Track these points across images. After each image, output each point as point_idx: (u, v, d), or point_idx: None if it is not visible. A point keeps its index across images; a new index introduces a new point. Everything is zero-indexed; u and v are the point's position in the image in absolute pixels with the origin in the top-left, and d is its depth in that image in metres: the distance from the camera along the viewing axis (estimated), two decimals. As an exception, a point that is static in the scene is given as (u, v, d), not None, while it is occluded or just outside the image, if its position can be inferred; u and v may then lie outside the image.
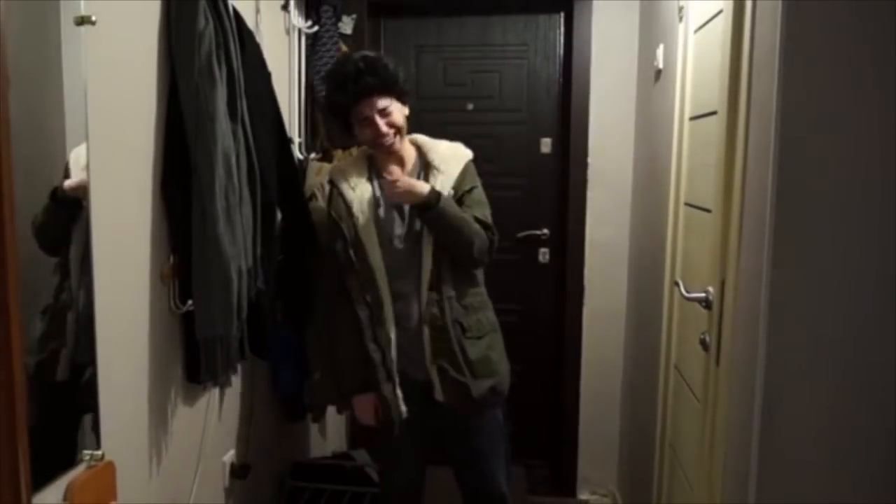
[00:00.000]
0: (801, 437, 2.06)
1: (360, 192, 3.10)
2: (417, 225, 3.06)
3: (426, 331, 3.02)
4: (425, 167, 3.16)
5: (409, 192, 2.96)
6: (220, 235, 2.47)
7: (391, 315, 3.02)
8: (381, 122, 3.01)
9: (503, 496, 3.28)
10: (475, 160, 3.21)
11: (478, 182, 3.20)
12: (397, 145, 3.10)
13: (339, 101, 3.05)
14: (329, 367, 3.12)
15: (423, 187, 2.97)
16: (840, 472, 2.04)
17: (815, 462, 2.06)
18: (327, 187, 3.18)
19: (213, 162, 2.46)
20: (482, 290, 3.23)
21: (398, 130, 3.07)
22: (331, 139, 4.07)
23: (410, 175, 3.13)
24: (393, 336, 3.01)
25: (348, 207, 3.07)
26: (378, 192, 3.12)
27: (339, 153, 4.09)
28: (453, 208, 3.01)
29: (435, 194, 2.96)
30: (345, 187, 3.12)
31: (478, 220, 3.07)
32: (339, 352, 3.09)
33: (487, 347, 3.11)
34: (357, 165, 3.21)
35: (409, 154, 3.20)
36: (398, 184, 2.93)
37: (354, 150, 4.02)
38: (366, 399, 3.09)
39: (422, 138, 3.26)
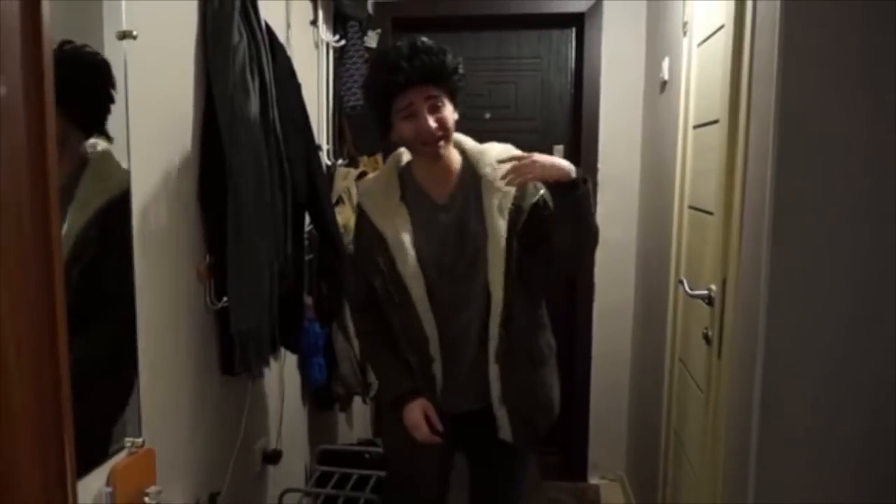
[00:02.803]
0: (796, 423, 2.07)
1: (394, 220, 2.48)
2: (472, 248, 2.44)
3: (495, 370, 2.47)
4: (475, 181, 2.48)
5: (553, 166, 2.24)
6: (253, 236, 2.48)
7: (439, 356, 2.51)
8: (430, 118, 2.34)
9: None
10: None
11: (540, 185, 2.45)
12: (443, 151, 2.41)
13: (385, 82, 2.35)
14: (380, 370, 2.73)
15: (562, 161, 2.28)
16: (832, 455, 2.06)
17: (809, 446, 2.08)
18: (355, 199, 2.74)
19: (247, 167, 2.47)
20: (544, 306, 2.67)
21: (446, 133, 2.39)
22: (356, 146, 4.07)
23: (456, 194, 2.50)
24: (439, 376, 2.54)
25: (383, 240, 2.47)
26: (413, 215, 2.50)
27: (364, 160, 4.08)
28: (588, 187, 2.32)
29: (576, 168, 2.28)
30: (376, 216, 2.51)
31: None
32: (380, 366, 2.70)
33: (552, 389, 2.62)
34: (387, 185, 2.55)
35: (455, 164, 2.51)
36: (535, 161, 2.24)
37: (379, 159, 4.02)
38: (417, 406, 2.52)
39: (467, 142, 2.56)
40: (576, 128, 4.71)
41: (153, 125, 2.18)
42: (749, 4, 2.25)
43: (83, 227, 1.89)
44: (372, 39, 4.40)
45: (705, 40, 2.95)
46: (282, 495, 3.31)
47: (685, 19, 3.30)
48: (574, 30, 4.68)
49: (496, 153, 2.47)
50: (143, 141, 2.07)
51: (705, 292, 2.66)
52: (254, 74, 2.51)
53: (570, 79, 4.74)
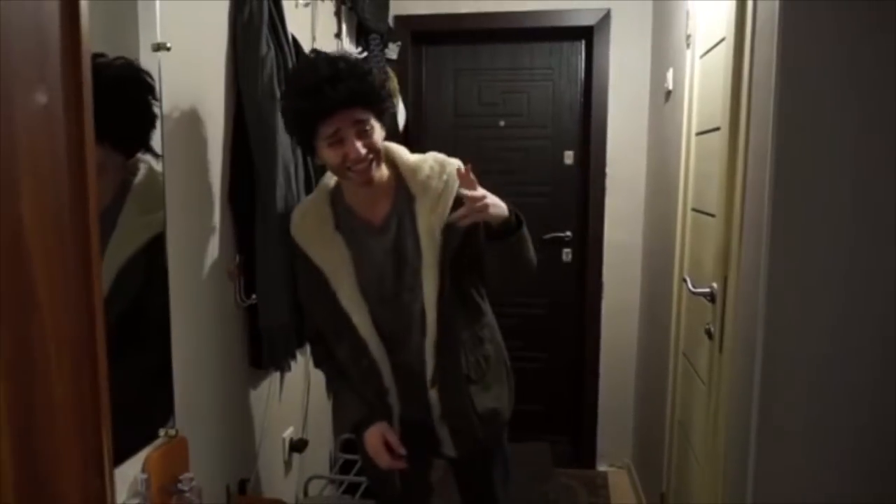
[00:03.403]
0: (794, 414, 2.07)
1: (330, 251, 2.28)
2: (410, 272, 2.25)
3: (433, 394, 2.33)
4: (409, 200, 2.25)
5: (498, 206, 2.07)
6: (282, 237, 2.47)
7: (394, 387, 2.36)
8: (357, 143, 2.10)
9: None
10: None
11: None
12: (374, 174, 2.17)
13: (307, 109, 2.09)
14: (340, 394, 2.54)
15: (500, 202, 2.09)
16: (829, 445, 2.05)
17: (807, 437, 2.07)
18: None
19: (275, 171, 2.47)
20: (488, 310, 2.47)
21: (377, 155, 2.16)
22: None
23: (391, 215, 2.26)
24: (396, 406, 2.38)
25: (321, 273, 2.28)
26: (349, 244, 2.29)
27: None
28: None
29: (513, 209, 2.13)
30: (311, 250, 2.29)
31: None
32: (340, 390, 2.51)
33: (496, 398, 2.41)
34: (319, 214, 2.31)
35: (387, 183, 2.26)
36: (487, 205, 2.02)
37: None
38: (375, 432, 2.33)
39: (399, 156, 2.29)
40: (585, 135, 4.69)
41: (186, 132, 2.19)
42: (749, 18, 2.24)
43: (127, 262, 1.87)
44: (393, 51, 4.41)
45: (707, 52, 2.93)
46: (307, 482, 3.32)
47: (688, 32, 3.29)
48: (583, 42, 4.67)
49: (427, 170, 2.22)
50: (176, 148, 2.08)
51: (707, 290, 2.65)
52: (281, 84, 2.52)
53: (579, 88, 4.73)
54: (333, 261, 2.27)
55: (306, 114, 2.11)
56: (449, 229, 2.17)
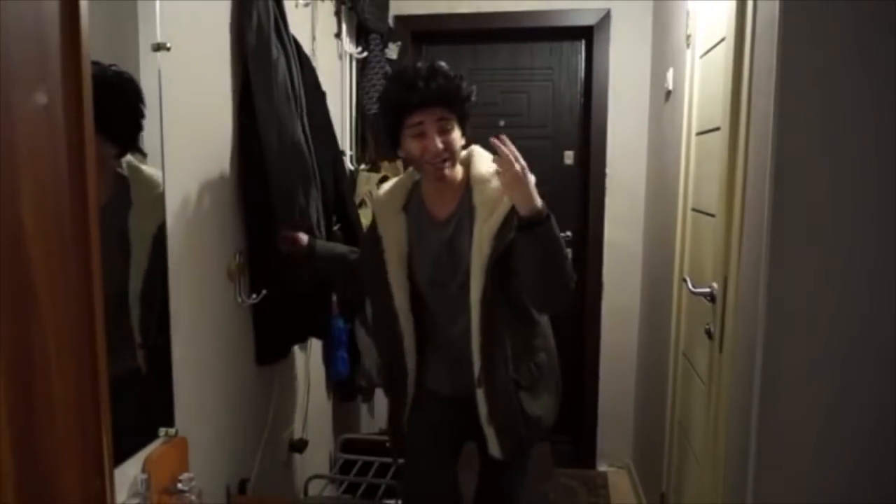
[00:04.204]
0: (795, 415, 2.07)
1: (392, 225, 2.49)
2: (462, 269, 2.39)
3: (480, 393, 2.40)
4: (471, 208, 2.39)
5: (531, 187, 2.16)
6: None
7: (413, 357, 2.53)
8: (437, 139, 2.30)
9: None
10: None
11: None
12: (446, 171, 2.35)
13: (399, 99, 2.32)
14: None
15: (534, 192, 2.18)
16: (829, 447, 2.05)
17: (807, 438, 2.07)
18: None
19: (296, 177, 2.54)
20: (542, 319, 2.60)
21: (452, 155, 2.34)
22: (378, 150, 4.07)
23: (455, 214, 2.44)
24: (412, 367, 2.54)
25: (379, 239, 2.50)
26: (410, 226, 2.50)
27: (385, 164, 4.08)
28: (556, 229, 2.24)
29: (545, 207, 2.21)
30: (379, 219, 2.53)
31: None
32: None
33: (543, 406, 2.51)
34: (394, 194, 2.55)
35: (459, 185, 2.44)
36: (523, 172, 2.14)
37: (399, 164, 4.01)
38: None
39: (478, 167, 2.43)
40: (585, 135, 4.70)
41: (186, 134, 2.18)
42: (749, 18, 2.25)
43: (149, 260, 1.99)
44: (392, 51, 4.41)
45: (707, 52, 2.93)
46: (307, 482, 3.32)
47: (688, 32, 3.29)
48: (583, 42, 4.67)
49: (494, 185, 2.33)
50: (175, 149, 2.07)
51: (707, 290, 2.65)
52: (289, 87, 2.52)
53: (579, 88, 4.73)
54: (393, 235, 2.48)
55: (399, 104, 2.33)
56: (497, 238, 2.30)
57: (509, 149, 2.14)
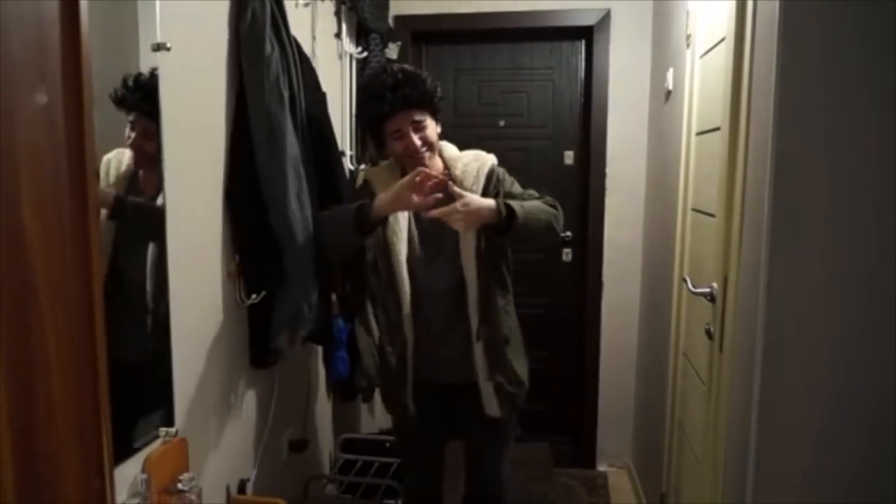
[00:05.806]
0: (794, 415, 2.07)
1: (388, 187, 2.63)
2: (449, 239, 2.68)
3: (479, 348, 2.67)
4: (451, 180, 2.65)
5: (478, 213, 2.50)
6: (296, 234, 2.58)
7: (410, 321, 2.71)
8: (414, 137, 2.62)
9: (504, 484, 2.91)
10: (507, 171, 2.70)
11: (510, 180, 2.77)
12: (428, 162, 2.66)
13: (374, 111, 2.64)
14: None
15: (486, 204, 2.52)
16: (829, 447, 2.05)
17: (807, 437, 2.07)
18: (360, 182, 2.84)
19: (286, 171, 2.50)
20: (511, 290, 2.84)
21: (430, 146, 2.66)
22: (377, 149, 4.08)
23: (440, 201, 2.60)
24: (410, 336, 2.73)
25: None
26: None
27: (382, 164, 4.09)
28: (520, 208, 2.53)
29: (503, 207, 2.52)
30: (379, 189, 2.68)
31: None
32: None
33: (522, 367, 2.79)
34: (391, 170, 2.77)
35: (438, 170, 2.71)
36: (464, 208, 2.48)
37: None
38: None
39: (448, 151, 2.81)
40: (585, 135, 4.70)
41: (185, 133, 2.18)
42: (749, 18, 2.24)
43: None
44: (392, 51, 4.41)
45: (707, 52, 2.93)
46: (307, 482, 3.32)
47: (688, 32, 3.29)
48: (584, 42, 4.67)
49: (467, 159, 2.75)
50: (175, 149, 2.07)
51: (707, 290, 2.65)
52: (284, 85, 2.52)
53: (579, 88, 4.73)
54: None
55: (373, 117, 2.68)
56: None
57: (440, 193, 2.51)
